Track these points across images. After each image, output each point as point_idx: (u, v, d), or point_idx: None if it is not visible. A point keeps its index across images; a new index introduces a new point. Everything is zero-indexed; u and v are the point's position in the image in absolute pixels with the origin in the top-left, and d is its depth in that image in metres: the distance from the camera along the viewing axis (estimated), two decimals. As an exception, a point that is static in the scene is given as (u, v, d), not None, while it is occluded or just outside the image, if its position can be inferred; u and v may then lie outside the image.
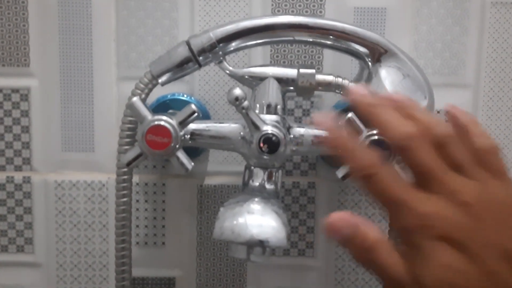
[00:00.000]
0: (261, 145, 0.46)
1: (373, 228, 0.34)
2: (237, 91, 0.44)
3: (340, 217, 0.34)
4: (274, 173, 0.48)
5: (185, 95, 0.56)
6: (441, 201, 0.33)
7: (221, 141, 0.48)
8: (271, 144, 0.46)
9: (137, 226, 0.58)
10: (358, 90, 0.36)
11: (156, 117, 0.46)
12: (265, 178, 0.48)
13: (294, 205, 0.58)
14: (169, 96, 0.55)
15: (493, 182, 0.35)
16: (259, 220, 0.45)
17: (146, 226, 0.58)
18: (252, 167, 0.48)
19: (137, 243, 0.58)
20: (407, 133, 0.34)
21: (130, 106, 0.46)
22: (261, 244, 0.44)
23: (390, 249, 0.33)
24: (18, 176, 0.57)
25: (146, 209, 0.58)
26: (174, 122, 0.46)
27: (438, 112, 0.56)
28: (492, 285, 0.31)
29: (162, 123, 0.45)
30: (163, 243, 0.58)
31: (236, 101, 0.44)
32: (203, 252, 0.59)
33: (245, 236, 0.44)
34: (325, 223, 0.34)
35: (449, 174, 0.34)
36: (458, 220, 0.32)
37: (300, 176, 0.58)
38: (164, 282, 0.59)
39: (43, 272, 0.59)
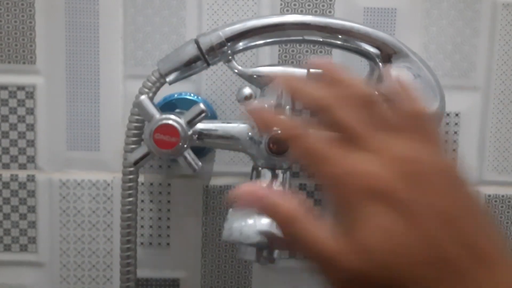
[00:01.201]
0: (271, 145, 0.45)
1: (288, 200, 0.30)
2: (247, 90, 0.44)
3: (246, 190, 0.31)
4: (282, 175, 0.48)
5: (192, 95, 0.55)
6: (368, 157, 0.30)
7: (229, 141, 0.48)
8: (280, 144, 0.45)
9: (142, 226, 0.57)
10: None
11: (164, 116, 0.45)
12: (273, 179, 0.48)
13: (300, 207, 0.58)
14: (176, 95, 0.55)
15: (424, 145, 0.31)
16: (268, 222, 0.44)
17: (150, 227, 0.58)
18: (260, 168, 0.48)
19: (142, 243, 0.57)
20: (322, 96, 0.32)
21: (138, 105, 0.46)
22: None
23: (312, 219, 0.30)
24: (22, 175, 0.57)
25: (151, 209, 0.57)
26: (182, 121, 0.45)
27: (448, 114, 0.56)
28: (432, 253, 0.27)
29: (171, 122, 0.45)
30: (168, 244, 0.58)
31: (245, 100, 0.44)
32: (208, 254, 0.58)
33: (254, 237, 0.43)
34: (229, 197, 0.31)
35: (374, 132, 0.31)
36: (388, 177, 0.29)
37: (307, 178, 0.57)
38: (168, 283, 0.58)
39: (46, 271, 0.58)
